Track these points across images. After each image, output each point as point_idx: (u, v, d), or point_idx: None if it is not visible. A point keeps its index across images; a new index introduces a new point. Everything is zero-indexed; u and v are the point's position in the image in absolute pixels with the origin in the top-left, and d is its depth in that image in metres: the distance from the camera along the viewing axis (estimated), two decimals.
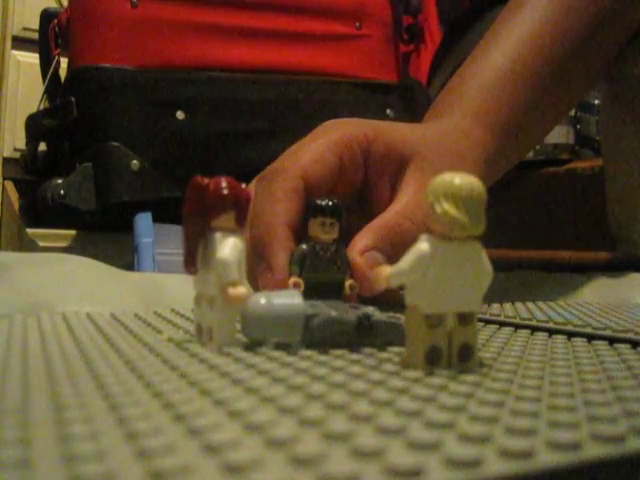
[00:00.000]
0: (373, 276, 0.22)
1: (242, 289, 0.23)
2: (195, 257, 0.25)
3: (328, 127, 0.39)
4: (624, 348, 0.26)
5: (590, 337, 0.29)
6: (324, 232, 0.34)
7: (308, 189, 0.35)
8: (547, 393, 0.18)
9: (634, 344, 0.27)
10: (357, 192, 0.40)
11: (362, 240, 0.33)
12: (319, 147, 0.36)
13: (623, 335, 0.28)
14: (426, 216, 0.21)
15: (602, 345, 0.27)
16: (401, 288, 0.22)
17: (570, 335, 0.29)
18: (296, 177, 0.34)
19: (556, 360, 0.23)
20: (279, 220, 0.33)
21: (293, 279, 0.32)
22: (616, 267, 0.59)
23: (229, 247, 0.24)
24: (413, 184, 0.38)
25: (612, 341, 0.27)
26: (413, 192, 0.37)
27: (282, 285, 0.31)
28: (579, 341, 0.28)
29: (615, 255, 0.64)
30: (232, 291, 0.23)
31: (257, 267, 0.33)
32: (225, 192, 0.24)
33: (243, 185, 0.25)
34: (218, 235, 0.24)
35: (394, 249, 0.33)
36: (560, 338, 0.29)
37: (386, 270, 0.21)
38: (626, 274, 0.54)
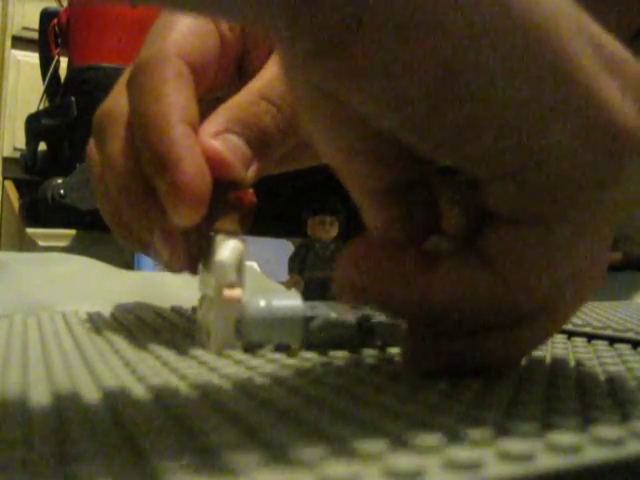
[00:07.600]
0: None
1: (238, 291, 0.24)
2: (195, 258, 0.25)
3: None
4: (624, 348, 0.26)
5: (590, 337, 0.29)
6: (324, 231, 0.35)
7: (193, 70, 0.29)
8: (546, 395, 0.18)
9: (634, 344, 0.27)
10: (239, 64, 0.33)
11: (213, 123, 0.27)
12: (189, 17, 0.30)
13: (623, 335, 0.28)
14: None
15: (602, 345, 0.27)
16: None
17: (570, 335, 0.29)
18: (174, 59, 0.28)
19: (556, 361, 0.23)
20: (173, 119, 0.26)
21: (293, 278, 0.32)
22: (616, 267, 0.59)
23: (228, 250, 0.24)
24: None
25: (612, 341, 0.27)
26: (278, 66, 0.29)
27: (201, 200, 0.24)
28: (579, 341, 0.28)
29: (616, 255, 0.64)
30: (228, 293, 0.23)
31: (159, 186, 0.25)
32: (228, 195, 0.24)
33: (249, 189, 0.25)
34: (219, 237, 0.24)
35: (251, 131, 0.27)
36: (560, 338, 0.29)
37: None
38: (626, 274, 0.55)
